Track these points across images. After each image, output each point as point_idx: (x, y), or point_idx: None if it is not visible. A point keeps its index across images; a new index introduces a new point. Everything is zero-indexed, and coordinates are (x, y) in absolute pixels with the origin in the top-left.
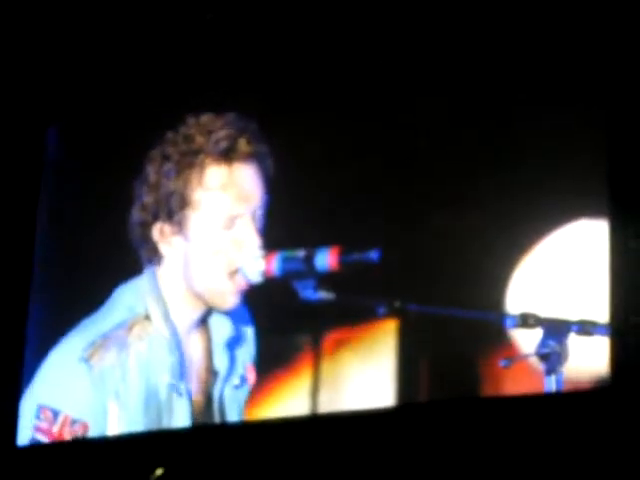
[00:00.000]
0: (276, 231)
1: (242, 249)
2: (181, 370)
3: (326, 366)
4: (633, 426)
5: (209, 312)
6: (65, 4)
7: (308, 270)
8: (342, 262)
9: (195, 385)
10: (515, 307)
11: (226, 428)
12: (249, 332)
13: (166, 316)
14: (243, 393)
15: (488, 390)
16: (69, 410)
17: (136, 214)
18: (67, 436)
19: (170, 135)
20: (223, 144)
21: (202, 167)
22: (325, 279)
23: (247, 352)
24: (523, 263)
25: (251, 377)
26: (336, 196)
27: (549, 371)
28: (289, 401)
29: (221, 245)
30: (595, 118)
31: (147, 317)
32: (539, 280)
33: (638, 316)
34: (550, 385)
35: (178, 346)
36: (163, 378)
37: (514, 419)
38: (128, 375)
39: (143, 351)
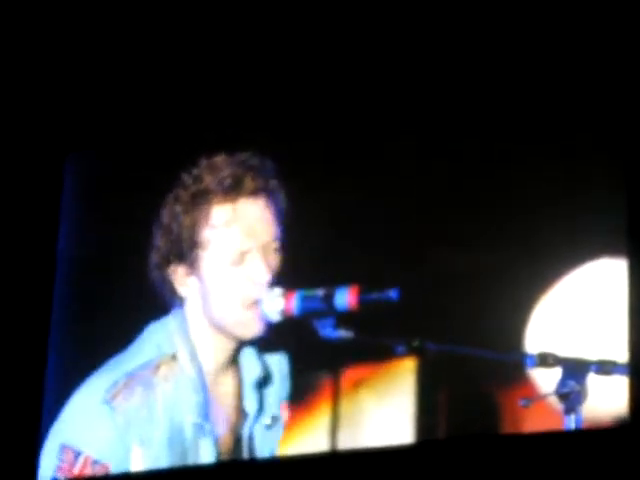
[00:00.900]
0: (295, 270)
1: (254, 283)
2: (206, 410)
3: (345, 404)
4: None
5: (239, 351)
6: (87, 37)
7: (327, 309)
8: (361, 301)
9: (223, 426)
10: (534, 346)
11: (244, 465)
12: (282, 369)
13: (193, 356)
14: (276, 433)
15: (507, 429)
16: (91, 451)
17: (154, 258)
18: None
19: (184, 177)
20: (227, 182)
21: (208, 206)
22: (344, 318)
23: (280, 390)
24: (542, 302)
25: (285, 415)
26: (355, 236)
27: (568, 410)
28: (308, 439)
29: (233, 281)
30: (613, 156)
31: (174, 357)
32: (558, 319)
33: None
34: (569, 424)
35: (203, 386)
36: (188, 418)
37: (533, 457)
38: (153, 416)
39: (169, 392)
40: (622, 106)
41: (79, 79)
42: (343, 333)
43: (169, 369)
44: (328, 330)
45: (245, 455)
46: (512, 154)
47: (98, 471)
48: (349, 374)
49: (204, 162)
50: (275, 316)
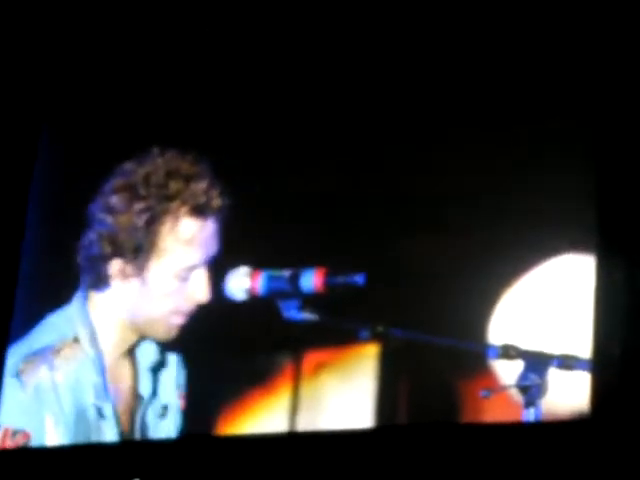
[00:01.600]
0: (262, 250)
1: (192, 301)
2: (105, 392)
3: (306, 386)
4: (609, 460)
5: (139, 343)
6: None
7: (293, 290)
8: (327, 284)
9: (121, 408)
10: (498, 338)
11: (197, 440)
12: (178, 359)
13: (93, 338)
14: (170, 422)
15: (467, 419)
16: (9, 422)
17: (95, 243)
18: (11, 447)
19: (134, 167)
20: (201, 199)
21: (176, 217)
22: (309, 300)
23: (177, 378)
24: (508, 294)
25: (181, 404)
26: (322, 217)
27: (528, 404)
28: (267, 419)
29: (173, 294)
30: (584, 150)
31: (76, 339)
32: (523, 312)
33: (620, 349)
34: (529, 417)
35: (102, 368)
36: (89, 399)
37: (492, 447)
38: (59, 394)
39: (71, 372)
40: (594, 100)
41: (60, 53)
42: (307, 315)
43: (71, 350)
44: (292, 312)
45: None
46: (481, 144)
47: (20, 440)
48: (311, 356)
49: (158, 158)
50: (240, 295)
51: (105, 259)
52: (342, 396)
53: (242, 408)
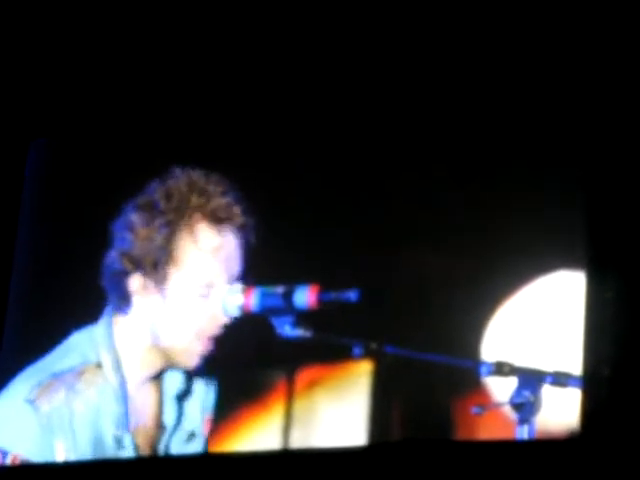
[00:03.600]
0: (256, 267)
1: (215, 321)
2: (126, 422)
3: (299, 403)
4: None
5: (165, 370)
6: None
7: (287, 307)
8: (321, 300)
9: (142, 439)
10: (491, 355)
11: (191, 460)
12: (207, 384)
13: (117, 366)
14: (195, 448)
15: (459, 435)
16: (18, 450)
17: (116, 261)
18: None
19: (157, 186)
20: (222, 214)
21: (196, 227)
22: (303, 316)
23: (204, 404)
24: (500, 311)
25: (207, 429)
26: (316, 234)
27: (522, 421)
28: (259, 436)
29: (196, 313)
30: (574, 169)
31: (99, 365)
32: (516, 329)
33: (610, 367)
34: (522, 434)
35: (125, 397)
36: (108, 428)
37: (485, 464)
38: (75, 419)
39: (92, 398)
40: (583, 120)
41: (53, 67)
42: (301, 332)
43: (93, 376)
44: (287, 328)
45: None
46: (476, 165)
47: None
48: (305, 373)
49: (182, 176)
50: (234, 311)
51: (126, 275)
52: (335, 413)
53: (234, 424)
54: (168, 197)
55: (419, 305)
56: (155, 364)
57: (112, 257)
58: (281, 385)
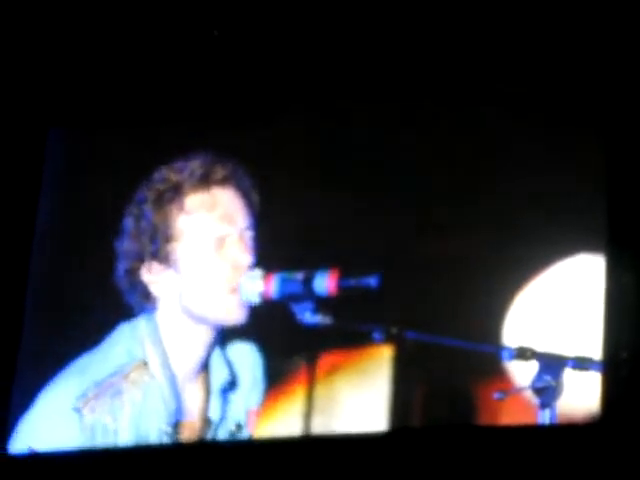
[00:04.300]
0: (275, 253)
1: (235, 268)
2: (174, 418)
3: (320, 389)
4: (621, 461)
5: (210, 354)
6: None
7: (306, 293)
8: (340, 286)
9: (188, 433)
10: (512, 340)
11: (218, 447)
12: (255, 376)
13: (165, 363)
14: (243, 437)
15: (481, 421)
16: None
17: (121, 266)
18: None
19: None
20: (198, 172)
21: (180, 197)
22: (323, 302)
23: (249, 397)
24: (521, 296)
25: (252, 422)
26: (337, 220)
27: (543, 405)
28: (281, 422)
29: (214, 266)
30: (596, 157)
31: (145, 363)
32: (537, 313)
33: (629, 351)
34: (544, 419)
35: (175, 394)
36: (154, 425)
37: (506, 449)
38: (120, 425)
39: (137, 400)
40: (606, 104)
41: (68, 56)
42: (321, 319)
43: (139, 375)
44: (307, 315)
45: None
46: (496, 147)
47: None
48: (325, 359)
49: (165, 168)
50: (254, 298)
51: (134, 273)
52: (356, 398)
53: (257, 411)
54: (149, 187)
55: (440, 290)
56: (201, 340)
57: (118, 267)
58: (302, 371)
